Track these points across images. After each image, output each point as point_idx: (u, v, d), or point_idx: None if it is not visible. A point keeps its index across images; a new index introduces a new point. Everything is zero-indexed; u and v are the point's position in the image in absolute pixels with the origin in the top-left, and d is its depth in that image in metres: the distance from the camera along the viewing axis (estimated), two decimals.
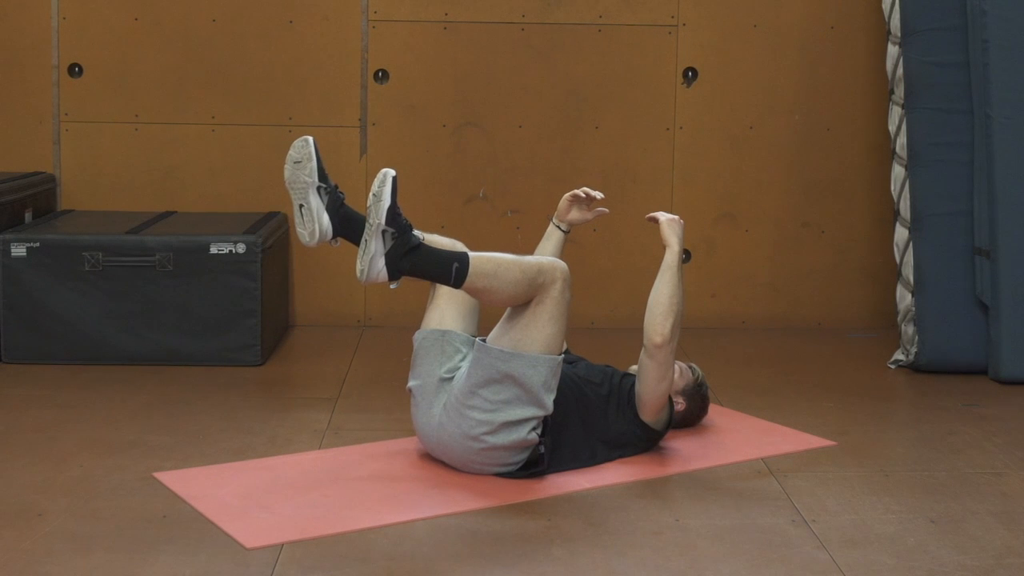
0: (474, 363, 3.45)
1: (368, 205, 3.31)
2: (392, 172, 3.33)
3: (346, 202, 3.45)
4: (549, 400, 3.45)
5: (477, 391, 3.43)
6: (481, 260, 3.39)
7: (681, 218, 3.76)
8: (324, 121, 5.46)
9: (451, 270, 3.36)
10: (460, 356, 3.58)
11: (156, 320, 4.74)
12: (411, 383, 3.62)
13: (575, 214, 3.91)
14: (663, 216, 3.77)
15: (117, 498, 3.33)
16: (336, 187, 3.43)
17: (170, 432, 3.92)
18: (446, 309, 3.66)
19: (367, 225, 3.31)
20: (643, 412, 3.65)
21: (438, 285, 3.67)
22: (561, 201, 3.91)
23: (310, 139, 3.41)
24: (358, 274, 3.31)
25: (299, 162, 3.38)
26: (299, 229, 3.41)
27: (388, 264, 3.32)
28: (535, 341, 3.42)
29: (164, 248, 4.73)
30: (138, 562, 2.91)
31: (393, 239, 3.31)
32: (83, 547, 2.99)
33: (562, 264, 3.46)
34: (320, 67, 5.44)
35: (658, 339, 3.57)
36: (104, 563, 2.90)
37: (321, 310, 5.49)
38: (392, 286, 3.38)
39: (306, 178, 3.38)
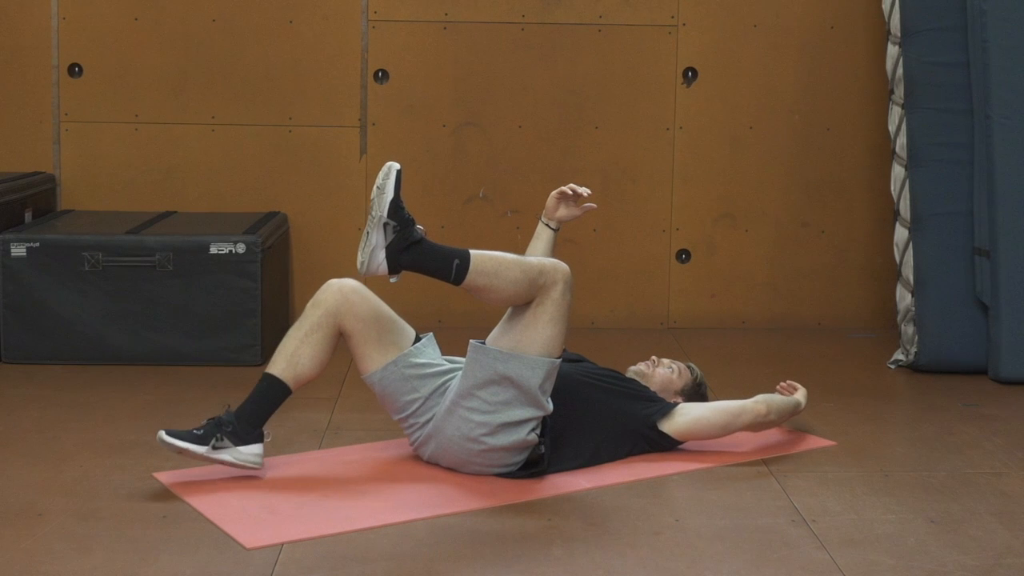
0: (471, 364, 3.45)
1: (371, 198, 3.32)
2: (396, 165, 3.33)
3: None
4: (547, 401, 3.45)
5: (475, 392, 3.43)
6: (482, 258, 3.39)
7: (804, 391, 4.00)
8: (324, 121, 5.46)
9: (451, 267, 3.36)
10: (425, 367, 3.55)
11: (156, 320, 4.74)
12: (396, 416, 3.61)
13: (563, 211, 3.89)
14: (802, 389, 3.99)
15: (117, 498, 3.33)
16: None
17: None
18: (370, 352, 3.54)
19: (369, 217, 3.31)
20: (677, 423, 3.70)
21: (346, 336, 3.55)
22: (548, 199, 3.89)
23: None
24: (358, 266, 3.33)
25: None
26: (241, 470, 3.46)
27: (388, 257, 3.32)
28: (534, 343, 3.41)
29: (164, 248, 4.73)
30: (138, 562, 2.91)
31: (395, 232, 3.31)
32: (83, 547, 2.99)
33: (564, 266, 3.46)
34: (320, 67, 5.44)
35: (763, 408, 3.77)
36: (104, 563, 2.90)
37: None
38: (392, 280, 3.38)
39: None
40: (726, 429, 3.74)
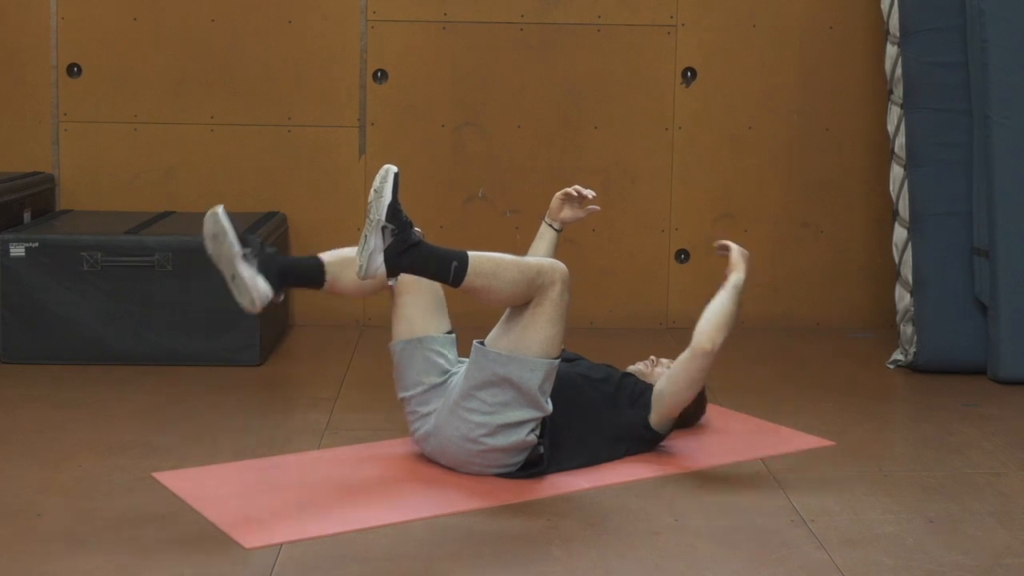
0: (472, 365, 3.45)
1: (369, 201, 3.31)
2: (394, 168, 3.33)
3: (276, 254, 3.40)
4: (546, 402, 3.46)
5: (475, 393, 3.43)
6: (480, 260, 3.39)
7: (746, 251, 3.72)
8: (323, 121, 5.46)
9: (450, 269, 3.36)
10: (443, 359, 3.58)
11: (156, 320, 4.74)
12: (402, 393, 3.62)
13: (567, 212, 3.91)
14: (735, 246, 3.72)
15: (117, 498, 3.33)
16: (262, 244, 3.39)
17: (170, 432, 3.92)
18: (413, 316, 3.62)
19: (367, 220, 3.31)
20: (657, 411, 3.66)
21: (396, 291, 3.62)
22: (553, 200, 3.91)
23: (218, 211, 3.34)
24: (357, 269, 3.32)
25: (216, 236, 3.33)
26: (238, 299, 3.37)
27: (387, 261, 3.31)
28: (533, 343, 3.41)
29: (163, 248, 4.73)
30: (138, 562, 2.91)
31: (393, 235, 3.31)
32: (83, 547, 2.99)
33: (562, 266, 3.46)
34: (319, 67, 5.45)
35: (708, 345, 3.59)
36: (104, 563, 2.90)
37: (320, 310, 5.48)
38: (391, 283, 3.38)
39: (227, 251, 3.33)
40: (692, 385, 3.61)
